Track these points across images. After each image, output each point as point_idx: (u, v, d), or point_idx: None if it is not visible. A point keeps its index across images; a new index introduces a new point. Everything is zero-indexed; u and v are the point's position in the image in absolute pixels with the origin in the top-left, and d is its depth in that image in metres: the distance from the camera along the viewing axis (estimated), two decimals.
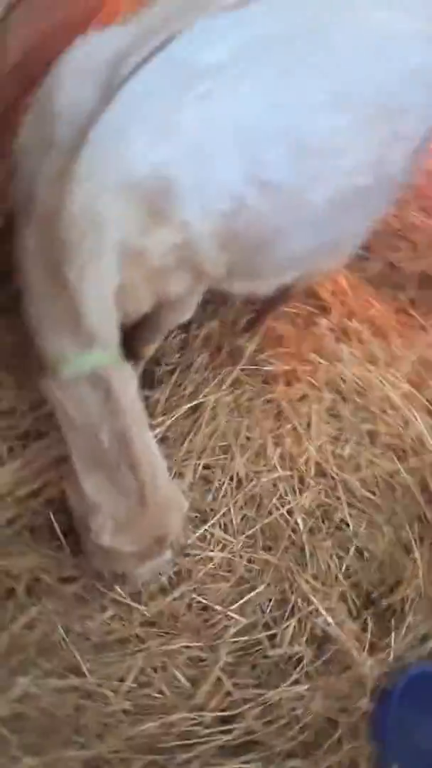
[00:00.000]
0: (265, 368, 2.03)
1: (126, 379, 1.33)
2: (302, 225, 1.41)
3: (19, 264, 1.31)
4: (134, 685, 1.59)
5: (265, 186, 1.27)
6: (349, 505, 1.89)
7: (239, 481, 1.87)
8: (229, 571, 1.76)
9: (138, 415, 1.34)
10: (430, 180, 2.50)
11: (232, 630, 1.70)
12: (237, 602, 1.73)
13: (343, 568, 1.85)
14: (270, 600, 1.77)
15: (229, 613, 1.71)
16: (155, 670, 1.63)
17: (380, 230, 2.34)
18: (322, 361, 2.05)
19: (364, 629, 1.78)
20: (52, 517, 1.59)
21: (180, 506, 1.45)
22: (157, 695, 1.62)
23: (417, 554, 1.85)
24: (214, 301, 2.08)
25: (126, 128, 1.15)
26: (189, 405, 1.91)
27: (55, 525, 1.59)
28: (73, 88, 1.19)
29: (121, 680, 1.56)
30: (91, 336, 1.28)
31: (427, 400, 2.02)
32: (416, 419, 1.95)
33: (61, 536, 1.58)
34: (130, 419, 1.31)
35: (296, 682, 1.70)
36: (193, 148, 1.19)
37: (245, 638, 1.71)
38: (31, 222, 1.24)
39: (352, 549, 1.86)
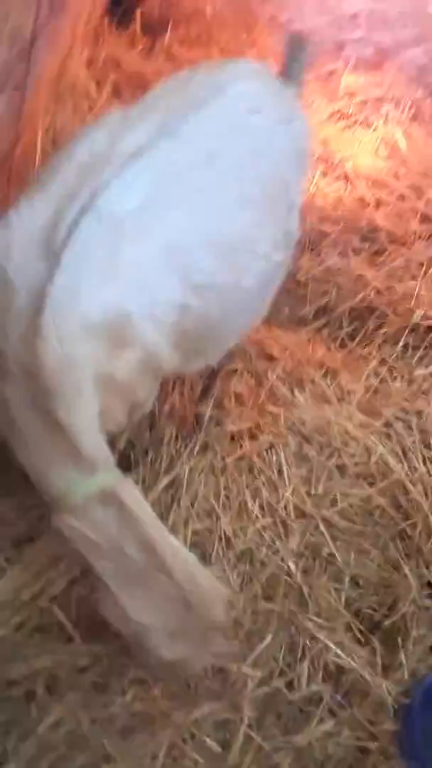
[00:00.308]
0: (229, 428, 2.15)
1: (131, 489, 1.40)
2: (239, 306, 1.66)
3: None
4: (168, 761, 1.62)
5: (203, 289, 1.48)
6: (334, 538, 1.98)
7: (228, 540, 1.95)
8: (236, 628, 1.82)
9: (153, 519, 1.38)
10: (345, 227, 2.73)
11: (251, 684, 1.75)
12: (249, 657, 1.79)
13: (342, 599, 1.92)
14: (281, 647, 1.82)
15: (243, 669, 1.77)
16: (185, 741, 1.67)
17: (308, 280, 2.54)
18: (279, 410, 2.18)
19: (374, 653, 1.85)
20: (57, 611, 1.64)
21: (221, 595, 1.45)
22: (191, 765, 1.65)
23: (406, 569, 1.94)
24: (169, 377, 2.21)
25: (77, 283, 1.32)
26: (167, 479, 2.00)
27: (63, 619, 1.65)
28: (20, 256, 1.35)
29: (154, 757, 1.60)
30: (92, 462, 1.37)
31: (382, 425, 2.16)
32: (376, 444, 2.08)
33: (70, 627, 1.64)
34: (148, 526, 1.36)
35: (321, 720, 1.75)
36: (136, 282, 1.39)
37: (265, 689, 1.76)
38: (7, 377, 1.35)
39: (347, 579, 1.95)
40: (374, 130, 3.19)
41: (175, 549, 1.38)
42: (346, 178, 2.99)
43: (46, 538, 1.75)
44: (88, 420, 1.37)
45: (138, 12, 3.23)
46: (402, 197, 2.91)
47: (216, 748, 1.67)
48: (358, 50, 3.51)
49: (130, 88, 3.02)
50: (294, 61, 2.11)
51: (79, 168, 1.42)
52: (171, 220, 1.43)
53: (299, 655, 1.81)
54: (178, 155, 1.47)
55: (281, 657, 1.81)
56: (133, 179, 1.39)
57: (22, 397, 1.34)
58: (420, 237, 2.75)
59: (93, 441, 1.38)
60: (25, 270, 1.34)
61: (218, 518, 1.97)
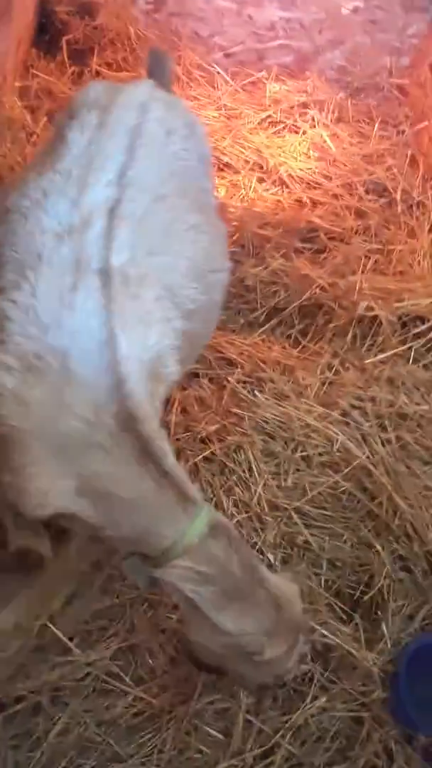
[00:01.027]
0: (197, 431, 2.24)
1: (222, 516, 1.53)
2: (213, 317, 1.94)
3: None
4: (174, 753, 1.71)
5: (192, 313, 1.68)
6: (307, 526, 2.09)
7: None
8: None
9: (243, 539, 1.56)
10: (285, 230, 2.84)
11: None
12: None
13: (322, 582, 2.04)
14: None
15: None
16: (188, 733, 1.76)
17: (256, 284, 2.65)
18: (243, 411, 2.28)
19: (357, 629, 1.97)
20: (53, 628, 1.72)
21: (296, 591, 1.60)
22: (197, 755, 1.74)
23: (378, 546, 2.07)
24: None
25: (131, 341, 1.46)
26: None
27: (59, 634, 1.72)
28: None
29: (160, 752, 1.68)
30: (194, 500, 1.46)
31: (340, 414, 2.28)
32: (336, 434, 2.20)
33: (67, 641, 1.71)
34: (244, 545, 1.51)
35: (315, 698, 1.86)
36: (159, 322, 1.56)
37: None
38: (91, 453, 1.40)
39: (324, 563, 2.06)
40: (303, 134, 3.31)
41: (259, 560, 1.54)
42: (282, 182, 3.11)
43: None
44: (175, 460, 1.47)
45: (63, 40, 3.30)
46: (336, 196, 3.04)
47: (218, 736, 1.77)
48: (279, 58, 3.64)
49: None
50: (161, 74, 2.23)
51: (56, 236, 1.51)
52: (157, 264, 1.58)
53: None
54: (137, 203, 1.59)
55: None
56: (117, 235, 1.52)
57: (116, 465, 1.40)
58: (357, 232, 2.88)
59: (187, 477, 1.48)
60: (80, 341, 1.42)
61: None
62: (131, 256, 1.53)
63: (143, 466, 1.41)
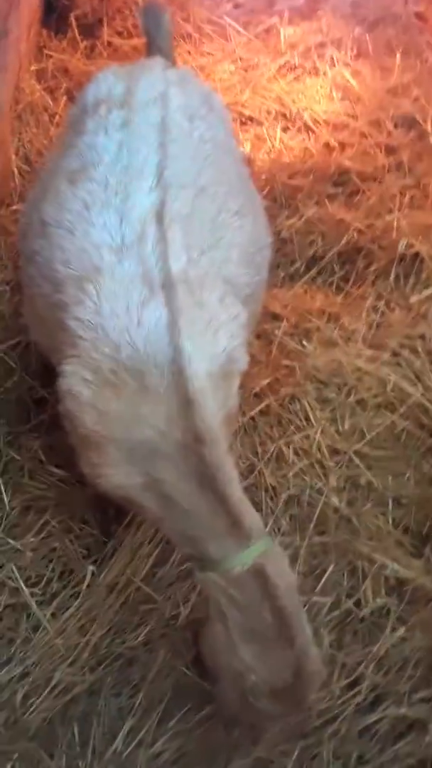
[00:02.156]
0: (251, 387, 2.29)
1: (278, 557, 1.50)
2: (262, 291, 1.94)
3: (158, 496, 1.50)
4: None
5: (249, 298, 1.75)
6: (369, 467, 2.13)
7: (274, 489, 2.11)
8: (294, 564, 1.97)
9: (292, 590, 1.48)
10: (315, 177, 2.82)
11: (324, 610, 1.92)
12: (317, 587, 1.95)
13: (390, 520, 2.08)
14: (343, 573, 1.99)
15: (314, 598, 1.93)
16: None
17: (292, 236, 2.65)
18: (293, 363, 2.31)
19: (429, 561, 2.01)
20: (142, 585, 1.80)
21: (322, 676, 1.55)
22: None
23: None
24: None
25: (199, 346, 1.49)
26: None
27: (148, 590, 1.82)
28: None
29: None
30: (248, 531, 1.46)
31: (391, 355, 2.29)
32: (389, 374, 2.22)
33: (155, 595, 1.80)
34: (287, 598, 1.43)
35: (393, 629, 1.92)
36: (226, 319, 1.60)
37: (337, 613, 1.93)
38: (157, 459, 1.46)
39: (390, 501, 2.10)
40: (323, 75, 3.24)
41: (302, 622, 1.47)
42: (307, 128, 3.07)
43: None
44: (239, 487, 1.50)
45: (72, 16, 3.30)
46: (364, 135, 2.98)
47: None
48: (290, 1, 3.56)
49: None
50: (157, 33, 2.20)
51: (111, 250, 1.54)
52: (212, 259, 1.61)
53: (360, 578, 1.98)
54: (181, 202, 1.60)
55: (345, 582, 1.98)
56: (171, 239, 1.54)
57: (180, 477, 1.46)
58: (389, 170, 2.83)
59: (248, 509, 1.50)
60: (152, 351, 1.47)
61: (261, 472, 2.12)
62: (188, 257, 1.55)
63: (203, 488, 1.45)
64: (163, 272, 1.51)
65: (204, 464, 1.44)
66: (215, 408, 1.48)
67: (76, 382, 1.51)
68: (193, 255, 1.57)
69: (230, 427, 1.66)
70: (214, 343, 1.55)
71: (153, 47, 2.26)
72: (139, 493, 1.53)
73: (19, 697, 1.76)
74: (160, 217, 1.56)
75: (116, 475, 1.53)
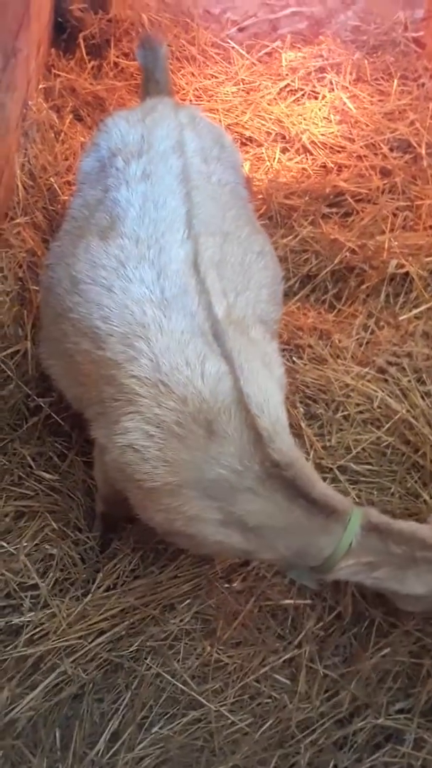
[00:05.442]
0: None
1: (369, 510, 1.60)
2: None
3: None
4: (245, 697, 1.84)
5: (276, 322, 1.89)
6: (355, 482, 2.17)
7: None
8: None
9: (397, 520, 1.64)
10: (311, 197, 2.89)
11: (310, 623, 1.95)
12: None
13: None
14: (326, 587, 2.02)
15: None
16: (258, 681, 1.89)
17: (287, 254, 2.71)
18: None
19: None
20: (132, 600, 1.85)
21: None
22: (267, 700, 1.87)
23: (425, 495, 2.13)
24: None
25: (261, 386, 1.55)
26: None
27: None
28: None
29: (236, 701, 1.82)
30: (344, 510, 1.55)
31: (378, 372, 2.34)
32: (376, 391, 2.27)
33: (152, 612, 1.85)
34: (403, 524, 1.61)
35: (376, 642, 1.95)
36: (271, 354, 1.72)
37: (320, 625, 1.96)
38: (240, 497, 1.51)
39: None
40: (322, 98, 3.33)
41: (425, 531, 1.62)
42: (305, 149, 3.15)
43: None
44: (317, 476, 1.58)
45: (80, 36, 3.40)
46: (360, 157, 3.06)
47: (286, 682, 1.89)
48: (293, 26, 3.65)
49: (89, 109, 3.21)
50: (155, 65, 2.25)
51: (155, 306, 1.58)
52: (246, 301, 1.68)
53: (342, 591, 2.01)
54: (212, 249, 1.67)
55: (328, 595, 2.01)
56: (210, 287, 1.60)
57: (266, 503, 1.52)
58: (383, 191, 2.91)
59: (331, 491, 1.58)
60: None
61: None
62: (227, 302, 1.62)
63: (292, 502, 1.51)
64: (209, 320, 1.56)
65: (286, 482, 1.51)
66: (284, 433, 1.55)
67: (140, 436, 1.52)
68: (230, 299, 1.63)
69: None
70: (269, 377, 1.61)
71: (150, 80, 2.31)
72: (218, 531, 1.55)
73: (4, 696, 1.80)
74: (196, 267, 1.61)
75: (193, 509, 1.54)
